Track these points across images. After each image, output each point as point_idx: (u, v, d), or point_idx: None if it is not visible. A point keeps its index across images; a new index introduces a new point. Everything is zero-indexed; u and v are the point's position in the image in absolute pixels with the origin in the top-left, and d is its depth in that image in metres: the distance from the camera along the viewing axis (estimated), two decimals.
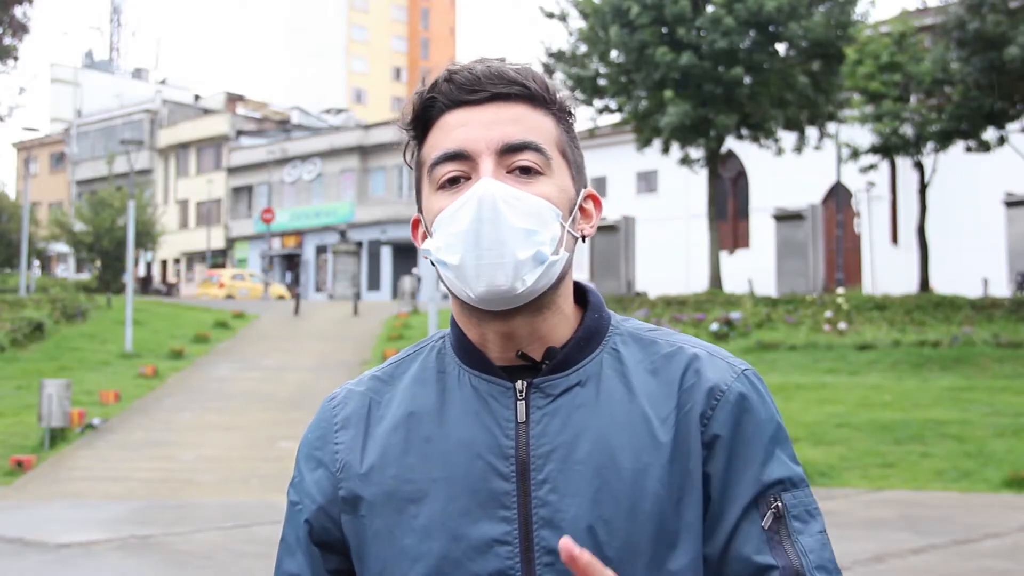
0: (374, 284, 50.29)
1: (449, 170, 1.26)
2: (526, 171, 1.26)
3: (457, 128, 1.27)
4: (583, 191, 1.32)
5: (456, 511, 1.24)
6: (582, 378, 1.28)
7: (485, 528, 1.23)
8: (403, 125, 1.33)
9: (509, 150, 1.25)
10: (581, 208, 1.32)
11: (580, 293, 1.35)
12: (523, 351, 1.28)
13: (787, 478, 1.27)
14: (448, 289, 1.28)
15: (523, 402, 1.26)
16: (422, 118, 1.31)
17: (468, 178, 1.26)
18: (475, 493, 1.24)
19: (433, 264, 1.30)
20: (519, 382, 1.27)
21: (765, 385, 1.32)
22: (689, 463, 1.25)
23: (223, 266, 57.79)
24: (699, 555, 1.25)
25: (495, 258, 1.21)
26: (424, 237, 1.32)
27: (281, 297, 41.74)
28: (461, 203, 1.23)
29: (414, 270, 37.29)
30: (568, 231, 1.27)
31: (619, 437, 1.25)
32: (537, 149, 1.26)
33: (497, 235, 1.21)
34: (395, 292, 43.76)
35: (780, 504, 1.25)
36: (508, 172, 1.25)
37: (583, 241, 1.32)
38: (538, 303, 1.26)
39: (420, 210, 1.33)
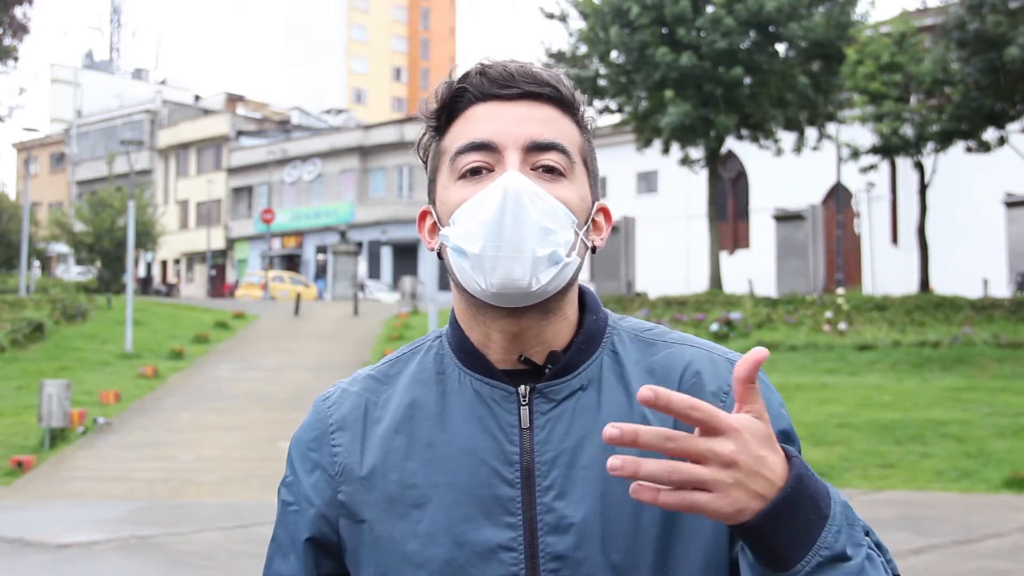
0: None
1: (473, 160, 1.25)
2: (550, 171, 1.25)
3: (485, 120, 1.26)
4: (597, 203, 1.31)
5: (460, 517, 1.23)
6: (583, 382, 1.27)
7: (490, 534, 1.22)
8: (427, 113, 1.31)
9: (536, 148, 1.25)
10: (593, 220, 1.31)
11: (580, 296, 1.34)
12: (526, 355, 1.27)
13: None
14: (456, 282, 1.27)
15: (527, 407, 1.25)
16: (448, 108, 1.30)
17: (491, 171, 1.24)
18: (479, 499, 1.23)
19: (440, 255, 1.29)
20: (522, 387, 1.26)
21: (766, 375, 1.31)
22: None
23: (223, 266, 57.84)
24: (711, 560, 1.22)
25: (514, 252, 1.19)
26: (432, 229, 1.31)
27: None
28: (486, 193, 1.22)
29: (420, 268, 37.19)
30: (581, 239, 1.27)
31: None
32: (563, 151, 1.26)
33: (518, 229, 1.19)
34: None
35: None
36: (532, 170, 1.24)
37: (592, 252, 1.31)
38: (547, 306, 1.25)
39: (432, 201, 1.31)
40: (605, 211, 1.33)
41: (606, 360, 1.29)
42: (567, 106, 1.29)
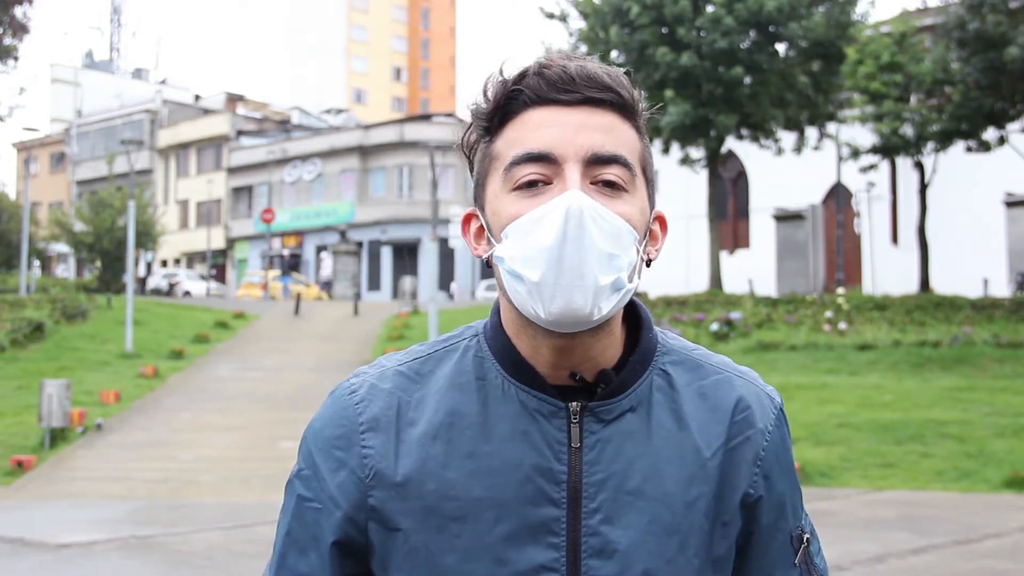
0: (374, 284, 50.30)
1: (530, 172, 1.18)
2: (610, 185, 1.18)
3: (543, 127, 1.19)
4: (653, 212, 1.25)
5: (502, 534, 1.19)
6: (634, 403, 1.23)
7: (532, 554, 1.18)
8: (478, 113, 1.24)
9: (597, 161, 1.18)
10: (650, 230, 1.25)
11: (628, 308, 1.28)
12: (576, 371, 1.22)
13: (802, 504, 1.32)
14: (508, 299, 1.21)
15: (576, 425, 1.21)
16: (501, 109, 1.22)
17: (548, 183, 1.18)
18: (522, 517, 1.19)
19: (488, 264, 1.23)
20: (573, 404, 1.21)
21: (785, 419, 1.34)
22: (731, 497, 1.23)
23: (223, 266, 57.84)
24: None
25: (575, 279, 1.13)
26: (479, 234, 1.25)
27: (319, 298, 41.63)
28: (544, 212, 1.15)
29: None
30: (641, 256, 1.21)
31: (670, 467, 1.21)
32: (625, 164, 1.19)
33: (580, 256, 1.13)
34: (395, 292, 43.77)
35: (807, 536, 1.30)
36: (592, 184, 1.18)
37: (648, 266, 1.24)
38: (600, 325, 1.20)
39: (480, 206, 1.25)
40: (661, 219, 1.27)
41: (656, 380, 1.26)
42: (628, 111, 1.23)
